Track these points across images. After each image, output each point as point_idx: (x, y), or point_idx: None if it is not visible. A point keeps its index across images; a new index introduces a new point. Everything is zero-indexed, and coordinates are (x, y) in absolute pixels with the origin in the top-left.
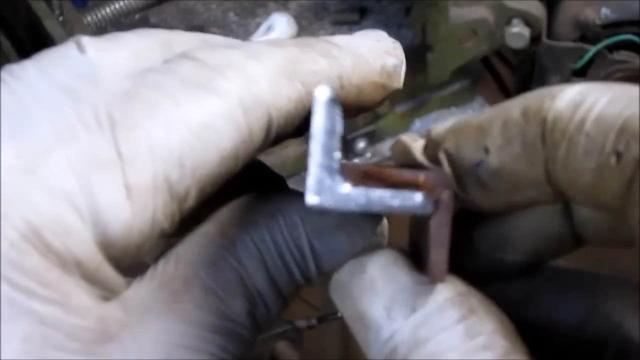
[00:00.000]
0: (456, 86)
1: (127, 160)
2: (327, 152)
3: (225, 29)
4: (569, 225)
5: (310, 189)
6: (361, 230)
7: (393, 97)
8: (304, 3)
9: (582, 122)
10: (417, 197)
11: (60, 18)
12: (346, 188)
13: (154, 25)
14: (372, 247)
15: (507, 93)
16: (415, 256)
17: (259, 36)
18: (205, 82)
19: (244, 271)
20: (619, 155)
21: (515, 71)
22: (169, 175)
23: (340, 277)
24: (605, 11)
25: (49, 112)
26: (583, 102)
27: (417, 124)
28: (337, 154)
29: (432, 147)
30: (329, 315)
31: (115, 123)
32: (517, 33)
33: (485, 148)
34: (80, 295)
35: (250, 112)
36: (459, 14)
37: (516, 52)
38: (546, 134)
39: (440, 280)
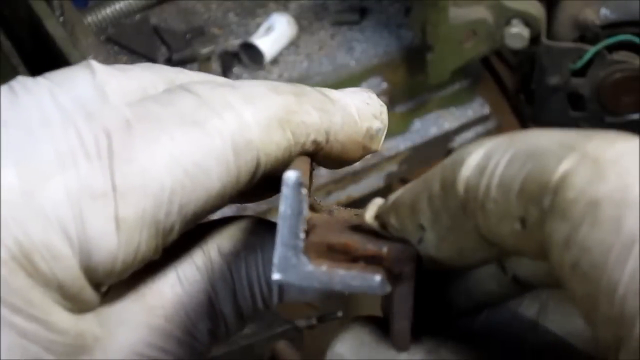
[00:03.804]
0: (456, 86)
1: (120, 194)
2: (294, 233)
3: (225, 29)
4: (506, 278)
5: (276, 266)
6: None
7: (393, 97)
8: (304, 3)
9: (488, 188)
10: (376, 278)
11: (61, 18)
12: (309, 267)
13: (155, 25)
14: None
15: (507, 93)
16: (387, 321)
17: (259, 36)
18: (202, 120)
19: (214, 296)
20: (523, 221)
21: (515, 71)
22: (158, 211)
23: None
24: (604, 11)
25: (53, 135)
26: (487, 165)
27: (417, 124)
28: (302, 235)
29: (380, 224)
30: (329, 315)
31: (113, 154)
32: (517, 33)
33: (421, 225)
34: (60, 313)
35: (241, 155)
36: (459, 14)
37: (516, 52)
38: (462, 204)
39: (404, 349)
